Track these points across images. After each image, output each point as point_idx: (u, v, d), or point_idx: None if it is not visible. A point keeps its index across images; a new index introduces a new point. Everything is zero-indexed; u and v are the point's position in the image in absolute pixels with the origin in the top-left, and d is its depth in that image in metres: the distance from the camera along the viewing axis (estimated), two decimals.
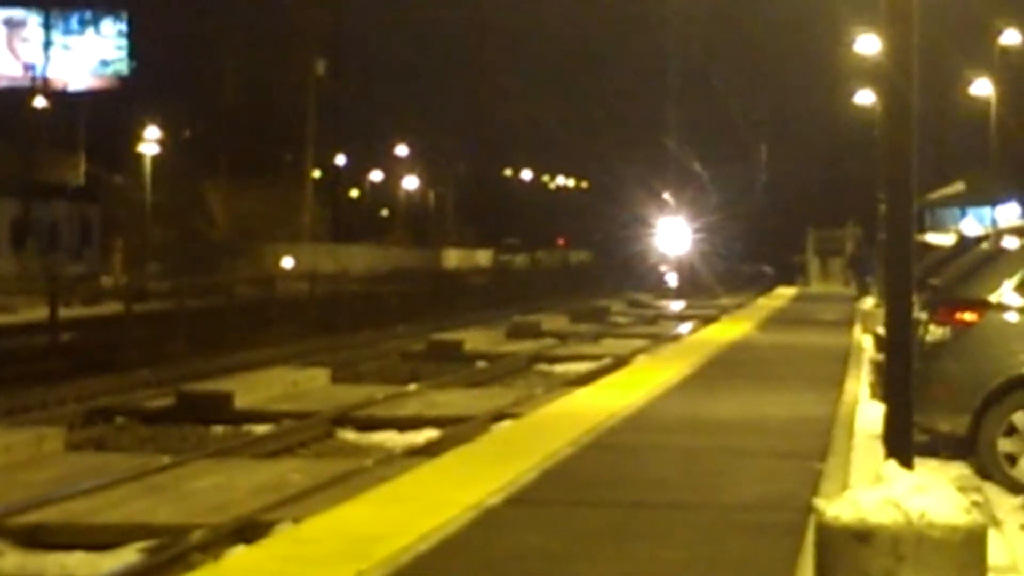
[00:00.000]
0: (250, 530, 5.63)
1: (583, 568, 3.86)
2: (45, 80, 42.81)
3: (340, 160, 53.18)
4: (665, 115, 58.29)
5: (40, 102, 41.03)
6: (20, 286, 25.02)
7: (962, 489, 3.28)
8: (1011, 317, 6.51)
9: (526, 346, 19.65)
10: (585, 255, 63.87)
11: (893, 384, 3.58)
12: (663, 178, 49.57)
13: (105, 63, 45.34)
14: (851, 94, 26.51)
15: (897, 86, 3.74)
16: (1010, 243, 8.26)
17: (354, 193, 59.56)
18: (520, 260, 58.41)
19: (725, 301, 31.41)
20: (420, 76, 67.62)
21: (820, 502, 2.18)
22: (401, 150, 54.41)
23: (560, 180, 78.79)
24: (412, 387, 13.50)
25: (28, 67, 43.21)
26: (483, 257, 57.54)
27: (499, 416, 10.26)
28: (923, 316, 6.23)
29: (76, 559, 5.72)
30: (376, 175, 58.53)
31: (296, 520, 5.20)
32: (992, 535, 2.82)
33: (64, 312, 19.42)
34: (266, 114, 44.61)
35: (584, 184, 75.71)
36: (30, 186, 36.16)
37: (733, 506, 5.02)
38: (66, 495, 6.68)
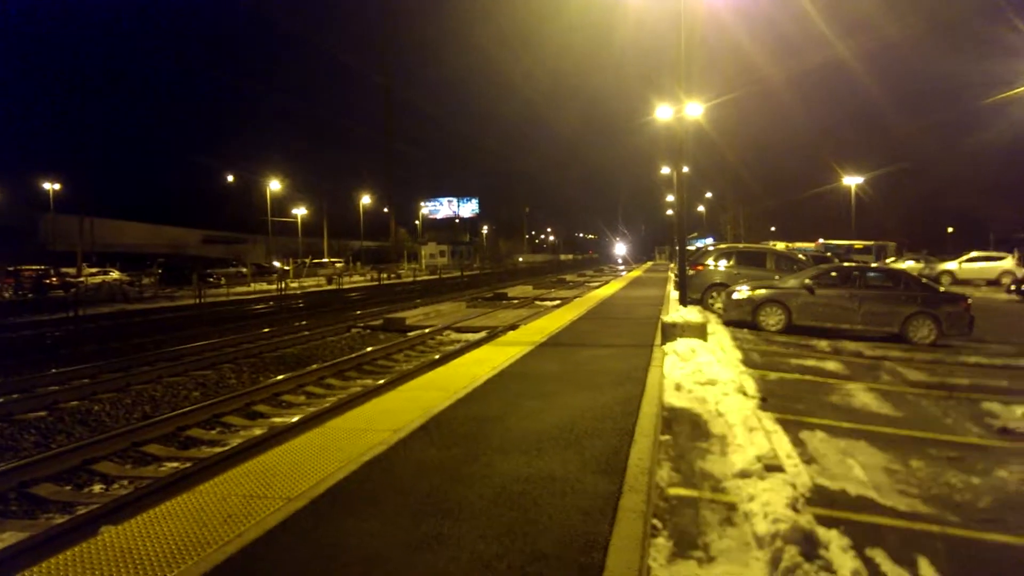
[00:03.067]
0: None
1: (581, 365, 10.83)
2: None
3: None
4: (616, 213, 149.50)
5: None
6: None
7: (699, 311, 14.34)
8: (710, 267, 18.82)
9: (544, 292, 36.48)
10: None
11: (680, 286, 15.11)
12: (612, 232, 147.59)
13: (470, 209, 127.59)
14: (666, 207, 61.98)
15: (679, 205, 15.58)
16: (706, 249, 22.46)
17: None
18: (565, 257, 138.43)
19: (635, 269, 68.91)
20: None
21: (663, 316, 12.52)
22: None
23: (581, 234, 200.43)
24: (482, 311, 25.37)
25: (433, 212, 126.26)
26: (541, 258, 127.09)
27: (515, 325, 18.72)
28: (688, 269, 17.90)
29: (469, 335, 18.13)
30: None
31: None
32: (708, 325, 12.95)
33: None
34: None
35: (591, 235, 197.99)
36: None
37: (638, 319, 16.01)
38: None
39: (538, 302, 28.41)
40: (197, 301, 30.95)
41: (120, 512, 5.78)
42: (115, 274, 44.97)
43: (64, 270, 42.79)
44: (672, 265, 45.46)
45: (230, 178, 70.58)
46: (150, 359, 15.17)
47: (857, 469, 5.93)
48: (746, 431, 6.32)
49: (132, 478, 7.46)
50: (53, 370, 13.86)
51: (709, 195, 69.39)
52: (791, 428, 6.95)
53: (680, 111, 14.56)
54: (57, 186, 54.94)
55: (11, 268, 39.90)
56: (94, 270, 45.53)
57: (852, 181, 53.12)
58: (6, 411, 10.22)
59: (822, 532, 4.23)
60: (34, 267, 41.87)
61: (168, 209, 74.56)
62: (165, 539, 3.79)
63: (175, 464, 7.91)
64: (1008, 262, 36.31)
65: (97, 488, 7.28)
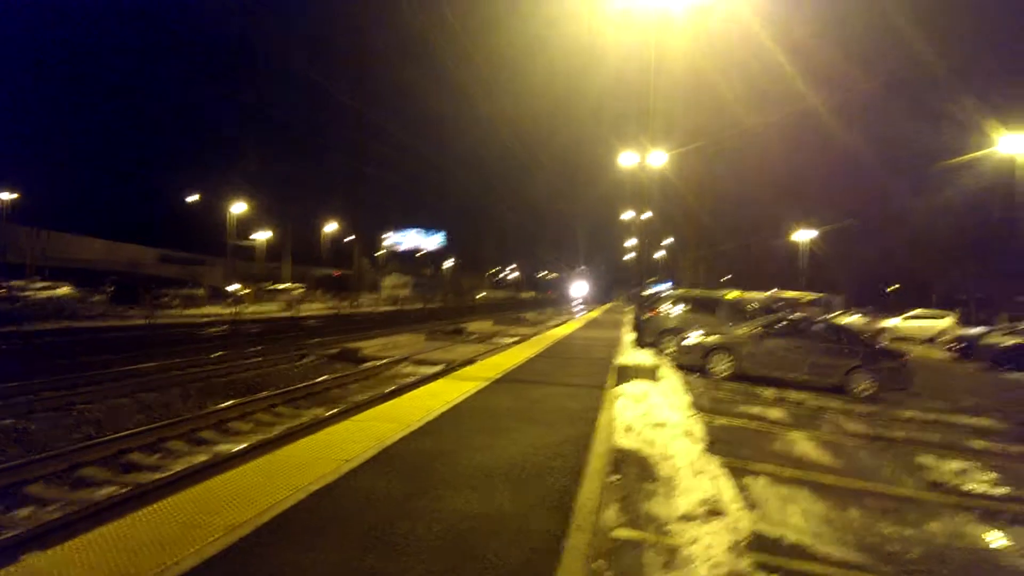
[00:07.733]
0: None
1: (535, 403, 11.75)
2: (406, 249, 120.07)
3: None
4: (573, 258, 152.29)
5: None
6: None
7: (652, 355, 14.75)
8: (665, 312, 19.06)
9: (503, 328, 35.72)
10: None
11: (636, 329, 15.99)
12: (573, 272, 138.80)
13: (436, 242, 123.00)
14: (626, 251, 63.97)
15: (639, 251, 15.93)
16: (662, 294, 21.88)
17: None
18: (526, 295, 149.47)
19: (594, 310, 67.18)
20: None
21: (617, 359, 13.19)
22: None
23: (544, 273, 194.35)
24: (441, 344, 24.94)
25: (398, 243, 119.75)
26: (502, 295, 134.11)
27: (472, 360, 17.95)
28: (645, 313, 18.35)
29: (425, 368, 17.49)
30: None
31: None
32: (660, 369, 13.36)
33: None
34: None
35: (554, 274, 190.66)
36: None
37: (593, 360, 16.04)
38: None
39: (496, 338, 28.36)
40: (147, 322, 30.17)
41: (47, 538, 5.58)
42: (65, 289, 43.31)
43: (13, 283, 41.11)
44: (630, 308, 46.40)
45: (193, 197, 68.21)
46: (94, 379, 14.69)
47: (796, 516, 6.08)
48: (692, 475, 6.43)
49: (66, 502, 7.21)
50: None
51: (670, 240, 70.36)
52: (735, 473, 7.09)
53: (644, 159, 14.99)
54: (15, 195, 52.66)
55: None
56: (44, 284, 43.84)
57: (804, 235, 54.95)
58: None
59: None
60: None
61: (128, 226, 71.89)
62: (92, 567, 3.71)
63: (113, 488, 7.66)
64: (947, 321, 37.67)
65: (26, 512, 7.00)
